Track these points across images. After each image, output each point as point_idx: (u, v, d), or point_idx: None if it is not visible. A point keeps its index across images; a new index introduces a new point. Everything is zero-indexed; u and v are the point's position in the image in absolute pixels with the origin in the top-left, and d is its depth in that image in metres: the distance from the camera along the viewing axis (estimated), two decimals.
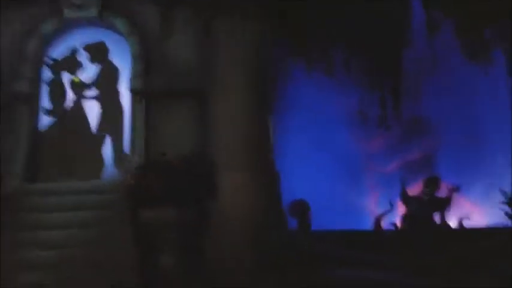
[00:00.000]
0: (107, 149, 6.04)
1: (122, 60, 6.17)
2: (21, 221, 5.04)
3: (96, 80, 6.17)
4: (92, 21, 6.09)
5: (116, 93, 6.15)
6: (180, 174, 4.78)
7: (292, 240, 5.19)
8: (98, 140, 6.03)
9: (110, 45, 6.22)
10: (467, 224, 6.14)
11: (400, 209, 6.47)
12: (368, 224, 6.46)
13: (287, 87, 6.80)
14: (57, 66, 6.17)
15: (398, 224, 6.32)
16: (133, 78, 5.86)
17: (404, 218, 6.31)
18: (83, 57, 6.26)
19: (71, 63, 6.20)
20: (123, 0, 6.05)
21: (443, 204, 6.24)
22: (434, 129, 7.70)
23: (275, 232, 5.07)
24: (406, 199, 6.38)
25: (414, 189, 6.67)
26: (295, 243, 4.96)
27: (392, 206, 6.41)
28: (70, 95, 6.18)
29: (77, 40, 6.24)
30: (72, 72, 6.21)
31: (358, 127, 7.51)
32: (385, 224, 6.30)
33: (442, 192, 6.39)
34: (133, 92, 5.83)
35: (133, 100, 5.86)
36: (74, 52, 6.23)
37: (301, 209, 6.01)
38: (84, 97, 6.17)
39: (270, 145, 5.70)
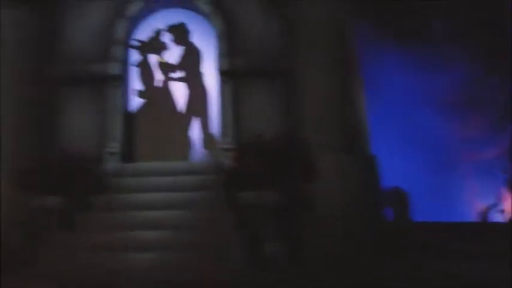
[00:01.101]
0: (195, 130, 6.21)
1: (205, 41, 6.22)
2: (120, 200, 5.24)
3: (181, 61, 6.27)
4: (175, 2, 6.09)
5: (200, 75, 6.21)
6: (278, 156, 4.80)
7: (391, 229, 5.08)
8: (186, 121, 6.18)
9: (191, 26, 6.25)
10: None
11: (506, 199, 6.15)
12: (468, 215, 6.14)
13: (374, 69, 6.52)
14: (144, 48, 6.30)
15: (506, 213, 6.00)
16: (219, 58, 5.86)
17: None
18: (167, 38, 6.38)
19: (157, 45, 6.31)
20: None
21: None
22: None
23: (373, 220, 4.99)
24: None
25: None
26: (394, 232, 4.85)
27: (498, 198, 6.05)
28: (158, 76, 6.34)
29: (160, 21, 6.32)
30: (158, 53, 6.33)
31: (452, 110, 7.07)
32: (491, 216, 6.01)
33: None
34: (220, 72, 5.84)
35: (220, 80, 5.89)
36: (158, 33, 6.32)
37: (399, 197, 5.67)
38: (171, 78, 6.32)
39: (364, 126, 5.50)
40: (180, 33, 6.22)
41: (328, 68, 5.48)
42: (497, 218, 5.98)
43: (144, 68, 6.32)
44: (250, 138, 5.11)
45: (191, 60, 6.21)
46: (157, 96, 6.28)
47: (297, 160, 4.92)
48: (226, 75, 5.85)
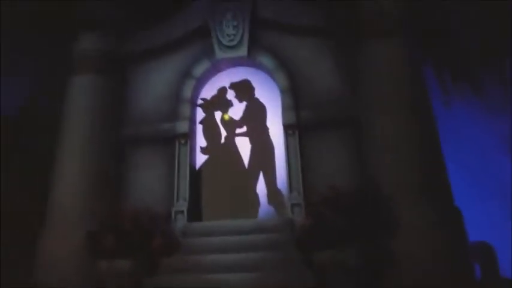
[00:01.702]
0: (261, 186, 6.07)
1: (268, 96, 6.24)
2: (188, 262, 5.09)
3: (245, 116, 6.30)
4: (240, 60, 6.25)
5: (265, 129, 6.19)
6: (357, 210, 4.52)
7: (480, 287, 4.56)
8: (252, 177, 6.08)
9: (255, 81, 6.34)
10: None
11: None
12: None
13: (448, 116, 6.19)
14: (209, 106, 6.44)
15: None
16: (284, 112, 5.80)
17: None
18: (231, 95, 6.48)
19: (221, 102, 6.44)
20: (268, 37, 6.13)
21: None
22: None
23: (460, 277, 4.50)
24: None
25: None
26: None
27: None
28: (222, 133, 6.38)
29: (225, 79, 6.48)
30: (223, 110, 6.43)
31: None
32: None
33: None
34: (286, 126, 5.76)
35: (286, 134, 5.79)
36: (222, 91, 6.47)
37: (485, 252, 5.29)
38: (236, 134, 6.34)
39: (445, 175, 5.10)
40: (243, 89, 6.33)
41: (401, 116, 5.24)
42: None
43: (209, 125, 6.42)
44: (324, 191, 4.88)
45: (255, 115, 6.24)
46: (222, 153, 6.30)
47: (377, 214, 4.61)
48: (292, 128, 5.76)
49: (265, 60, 6.06)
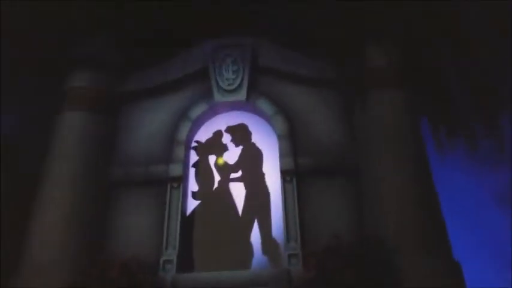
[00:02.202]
0: (255, 234, 5.78)
1: (265, 142, 6.12)
2: None
3: (240, 161, 6.12)
4: (238, 104, 6.17)
5: (261, 175, 5.99)
6: (359, 262, 4.32)
7: None
8: (246, 225, 5.80)
9: (252, 126, 6.24)
10: None
11: None
12: None
13: (443, 169, 6.22)
14: (203, 149, 6.25)
15: None
16: (282, 158, 5.66)
17: None
18: (226, 139, 6.34)
19: (216, 146, 6.27)
20: (268, 83, 6.13)
21: None
22: None
23: None
24: None
25: None
26: None
27: None
28: (216, 178, 6.15)
29: (220, 123, 6.36)
30: (217, 154, 6.25)
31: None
32: None
33: None
34: (283, 172, 5.60)
35: (283, 181, 5.61)
36: (218, 134, 6.33)
37: None
38: (230, 179, 6.11)
39: (443, 226, 5.01)
40: (239, 133, 6.19)
41: (401, 166, 5.20)
42: None
43: (202, 169, 6.19)
44: (325, 241, 4.68)
45: (251, 161, 6.06)
46: (214, 199, 6.03)
47: (381, 266, 4.42)
48: (289, 174, 5.60)
49: (264, 105, 6.01)
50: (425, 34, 5.45)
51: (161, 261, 5.23)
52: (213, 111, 6.24)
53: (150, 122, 6.31)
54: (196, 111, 6.15)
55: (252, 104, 6.08)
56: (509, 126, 6.00)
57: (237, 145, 6.22)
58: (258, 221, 5.78)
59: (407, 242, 4.74)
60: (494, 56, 5.68)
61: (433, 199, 5.17)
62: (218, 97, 6.07)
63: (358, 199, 5.36)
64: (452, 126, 6.38)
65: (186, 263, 5.45)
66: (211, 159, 6.25)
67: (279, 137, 5.84)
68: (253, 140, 6.20)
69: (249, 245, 5.67)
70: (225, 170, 6.15)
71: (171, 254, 5.33)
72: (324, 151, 5.67)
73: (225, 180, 6.10)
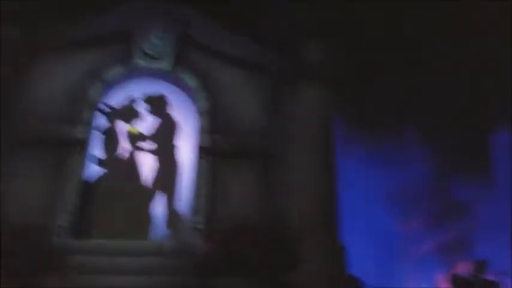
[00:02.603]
0: (159, 207, 5.56)
1: (184, 116, 5.95)
2: (69, 284, 4.38)
3: (155, 132, 5.85)
4: (160, 73, 5.89)
5: (174, 148, 5.81)
6: (266, 242, 4.44)
7: None
8: (150, 196, 5.55)
9: (173, 99, 6.00)
10: None
11: None
12: None
13: (345, 162, 6.72)
14: (114, 114, 5.83)
15: None
16: (200, 134, 5.57)
17: None
18: (141, 107, 6.01)
19: (129, 113, 5.89)
20: (196, 58, 5.94)
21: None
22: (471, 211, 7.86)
23: None
24: (455, 281, 6.42)
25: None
26: None
27: None
28: (124, 146, 5.78)
29: (137, 90, 6.00)
30: (129, 122, 5.87)
31: (399, 205, 7.53)
32: None
33: (490, 276, 6.45)
34: (200, 148, 5.50)
35: (197, 157, 5.52)
36: (132, 102, 5.95)
37: (355, 286, 5.65)
38: (140, 149, 5.80)
39: (338, 214, 5.35)
40: (158, 104, 5.89)
41: (311, 157, 5.51)
42: None
43: (110, 136, 5.78)
44: (231, 219, 4.73)
45: (166, 133, 5.81)
46: (120, 166, 5.66)
47: (283, 246, 4.60)
48: (205, 151, 5.53)
49: (188, 78, 5.82)
50: (363, 37, 5.83)
51: (56, 227, 4.78)
52: (131, 76, 5.87)
53: (57, 79, 5.70)
54: (112, 73, 5.74)
55: (176, 75, 5.86)
56: (412, 132, 6.76)
57: (153, 115, 5.92)
58: (164, 194, 5.59)
59: (309, 226, 4.98)
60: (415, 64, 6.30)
61: (333, 189, 5.53)
62: (139, 62, 5.73)
63: (270, 183, 5.48)
64: (361, 125, 6.96)
65: (84, 230, 5.07)
66: (121, 125, 5.87)
67: (200, 114, 5.72)
68: (170, 113, 5.98)
69: (148, 215, 5.44)
70: (137, 139, 5.82)
71: (66, 219, 4.89)
72: (243, 133, 5.70)
73: (134, 150, 5.79)
